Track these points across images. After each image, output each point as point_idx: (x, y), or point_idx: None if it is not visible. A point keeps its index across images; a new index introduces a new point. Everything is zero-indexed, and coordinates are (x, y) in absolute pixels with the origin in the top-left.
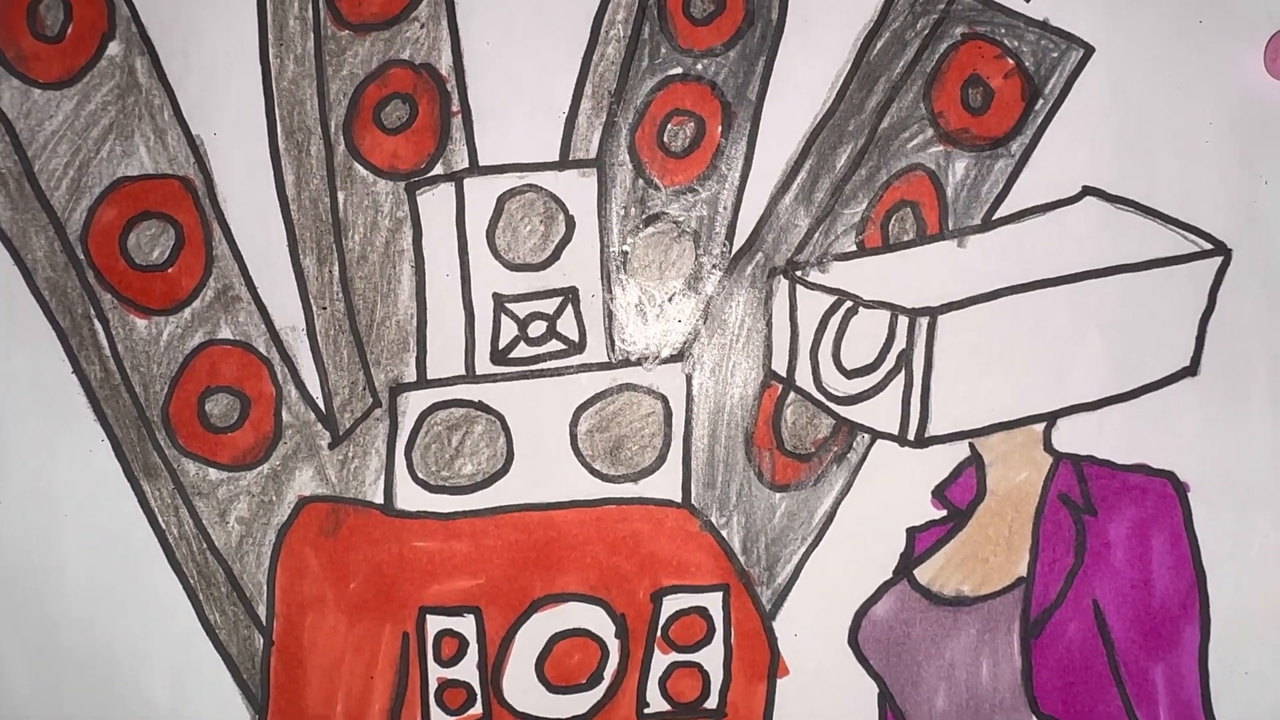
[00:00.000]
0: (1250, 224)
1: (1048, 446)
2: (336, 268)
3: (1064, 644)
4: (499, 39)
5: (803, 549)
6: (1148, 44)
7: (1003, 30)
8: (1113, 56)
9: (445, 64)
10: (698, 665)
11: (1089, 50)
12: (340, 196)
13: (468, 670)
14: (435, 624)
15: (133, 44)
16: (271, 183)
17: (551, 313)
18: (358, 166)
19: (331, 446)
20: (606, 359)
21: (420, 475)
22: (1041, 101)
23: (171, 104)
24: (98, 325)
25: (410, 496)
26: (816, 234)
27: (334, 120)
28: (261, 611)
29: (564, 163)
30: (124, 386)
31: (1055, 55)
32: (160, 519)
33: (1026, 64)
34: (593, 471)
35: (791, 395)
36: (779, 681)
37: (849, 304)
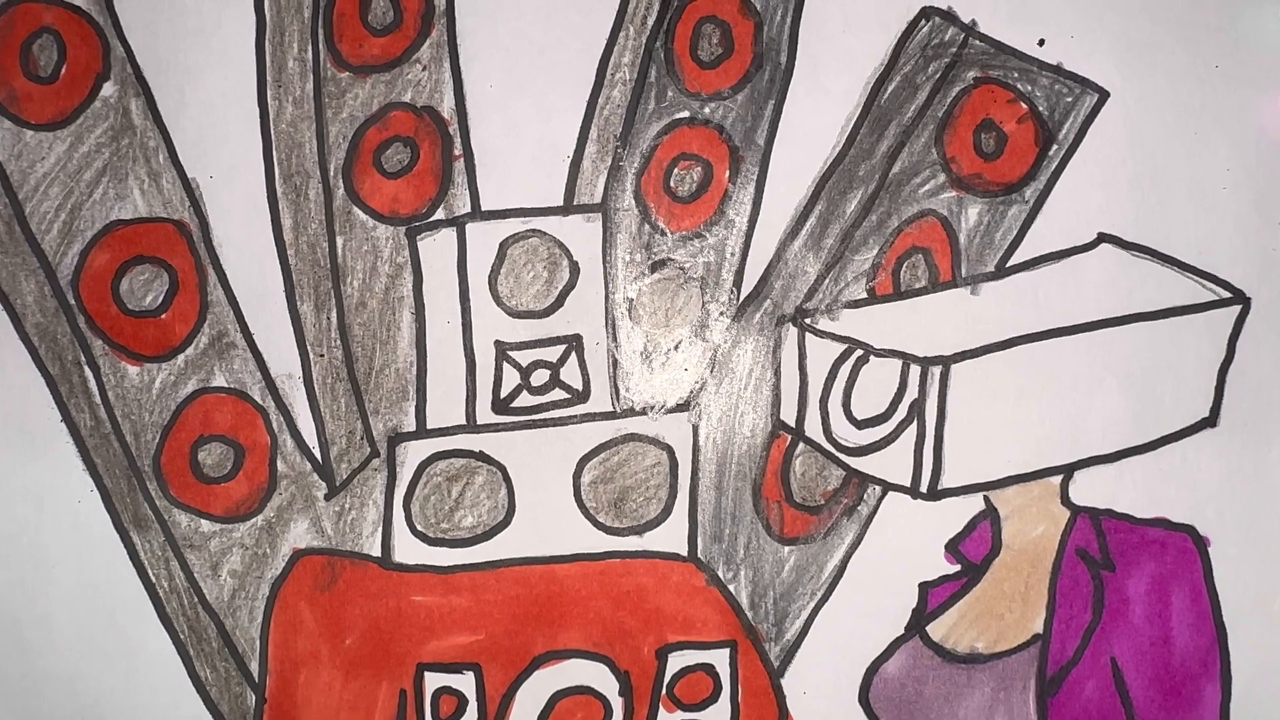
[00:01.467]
0: (1268, 272)
1: (1065, 500)
2: (334, 314)
3: (1081, 703)
4: (502, 82)
5: (812, 604)
6: (1163, 89)
7: (1016, 74)
8: (1128, 102)
9: (447, 107)
10: None
11: (1104, 95)
12: (339, 241)
13: None
14: (433, 681)
15: (128, 85)
16: (269, 227)
17: (555, 361)
18: (357, 211)
19: (328, 498)
20: (611, 408)
21: (419, 527)
22: (1056, 147)
23: (167, 146)
24: (88, 372)
25: (408, 549)
26: (826, 281)
27: (333, 163)
28: (254, 668)
29: (568, 208)
30: (114, 435)
31: (1069, 100)
32: (150, 572)
33: (1040, 108)
34: (596, 524)
35: (800, 446)
36: None
37: (859, 352)
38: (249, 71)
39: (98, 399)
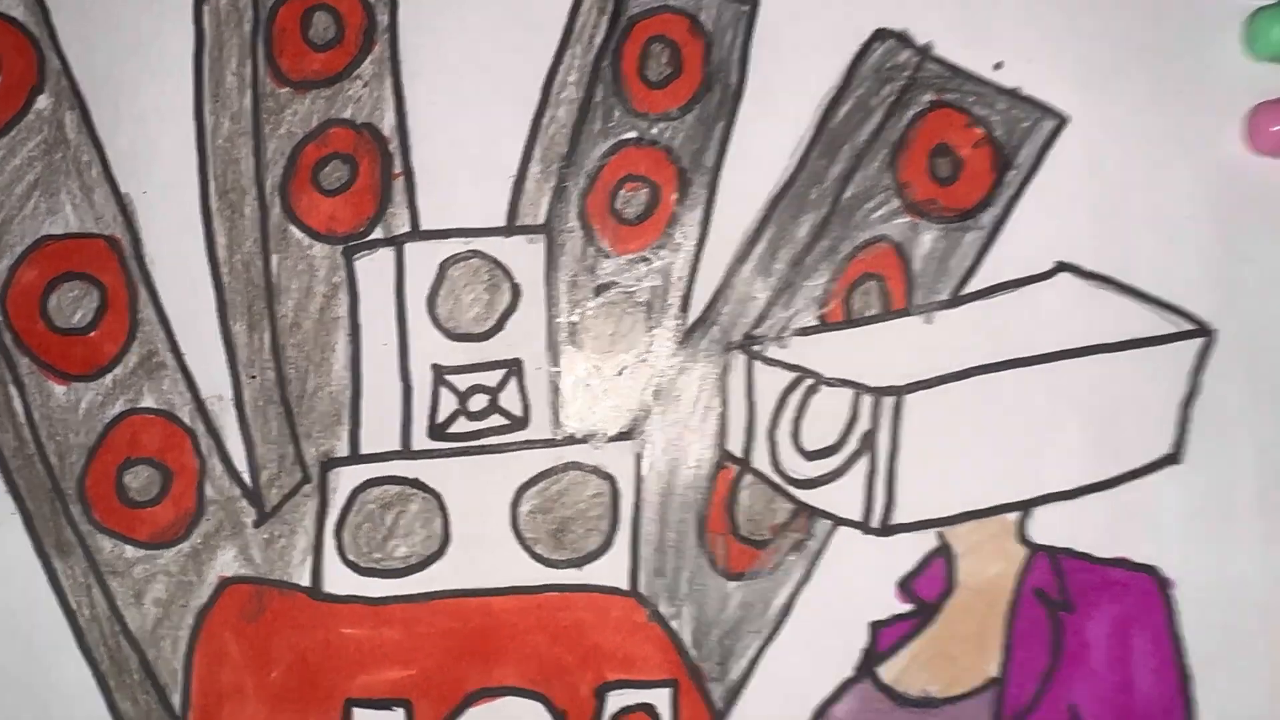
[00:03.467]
0: (1233, 303)
1: (1022, 537)
2: (268, 335)
3: None
4: (445, 99)
5: (758, 642)
6: (1124, 116)
7: (972, 98)
8: (1087, 127)
9: (388, 124)
10: None
11: (1063, 120)
12: (274, 260)
13: None
14: (362, 718)
15: (62, 97)
16: (202, 244)
17: (494, 385)
18: (293, 229)
19: (257, 524)
20: (551, 435)
21: (350, 556)
22: (1013, 172)
23: (100, 160)
24: (13, 390)
25: (339, 579)
26: (775, 307)
27: (270, 180)
28: (176, 701)
29: (511, 228)
30: (38, 456)
31: (1027, 125)
32: (71, 598)
33: (997, 133)
34: (534, 555)
35: (748, 477)
36: None
37: (810, 382)
38: (186, 86)
39: (22, 419)
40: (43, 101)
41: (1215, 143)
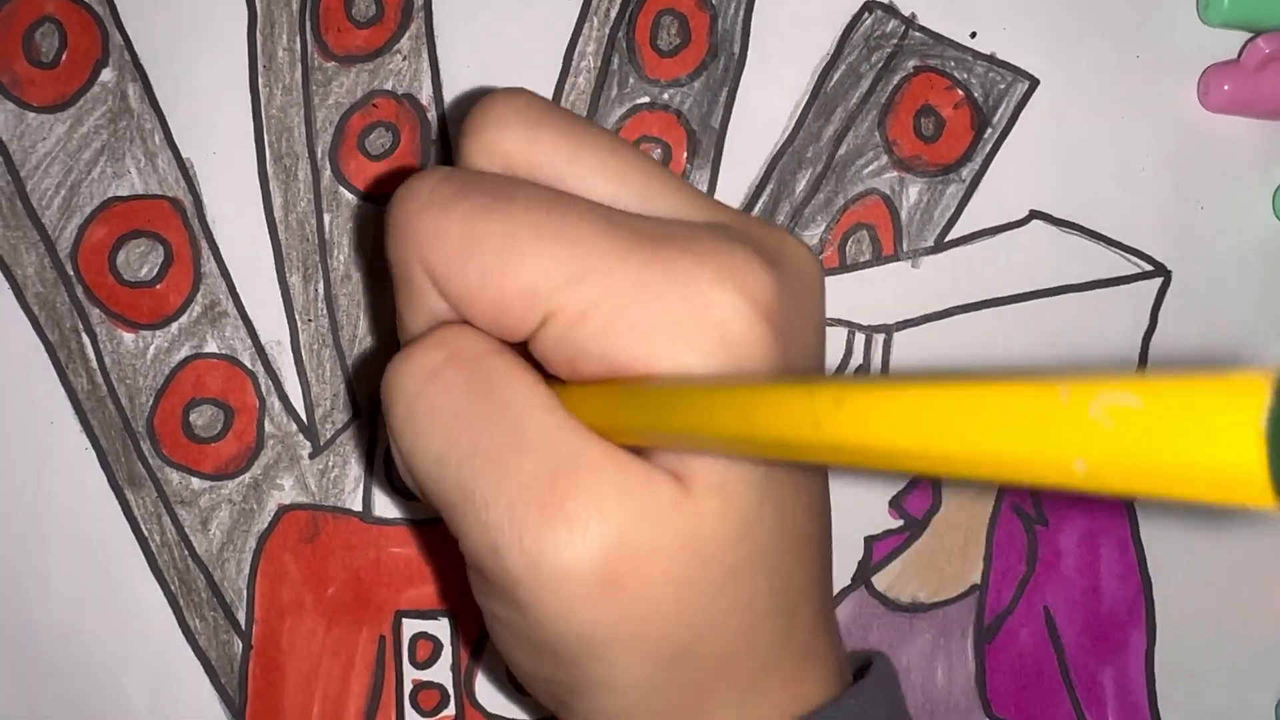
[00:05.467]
0: (1187, 247)
1: None
2: (322, 285)
3: (1016, 649)
4: (477, 71)
5: None
6: (1089, 78)
7: (952, 63)
8: (1056, 89)
9: (426, 94)
10: None
11: (1034, 83)
12: (326, 218)
13: (442, 672)
14: (411, 628)
15: (125, 71)
16: (260, 204)
17: None
18: (343, 190)
19: (312, 456)
20: None
21: (398, 484)
22: (990, 130)
23: (163, 128)
24: (85, 339)
25: (388, 504)
26: None
27: (320, 146)
28: (241, 617)
29: None
30: (110, 398)
31: (1002, 87)
32: (143, 527)
33: (975, 95)
34: None
35: None
36: None
37: None
38: (241, 60)
39: (94, 364)
40: (107, 75)
41: (1172, 102)
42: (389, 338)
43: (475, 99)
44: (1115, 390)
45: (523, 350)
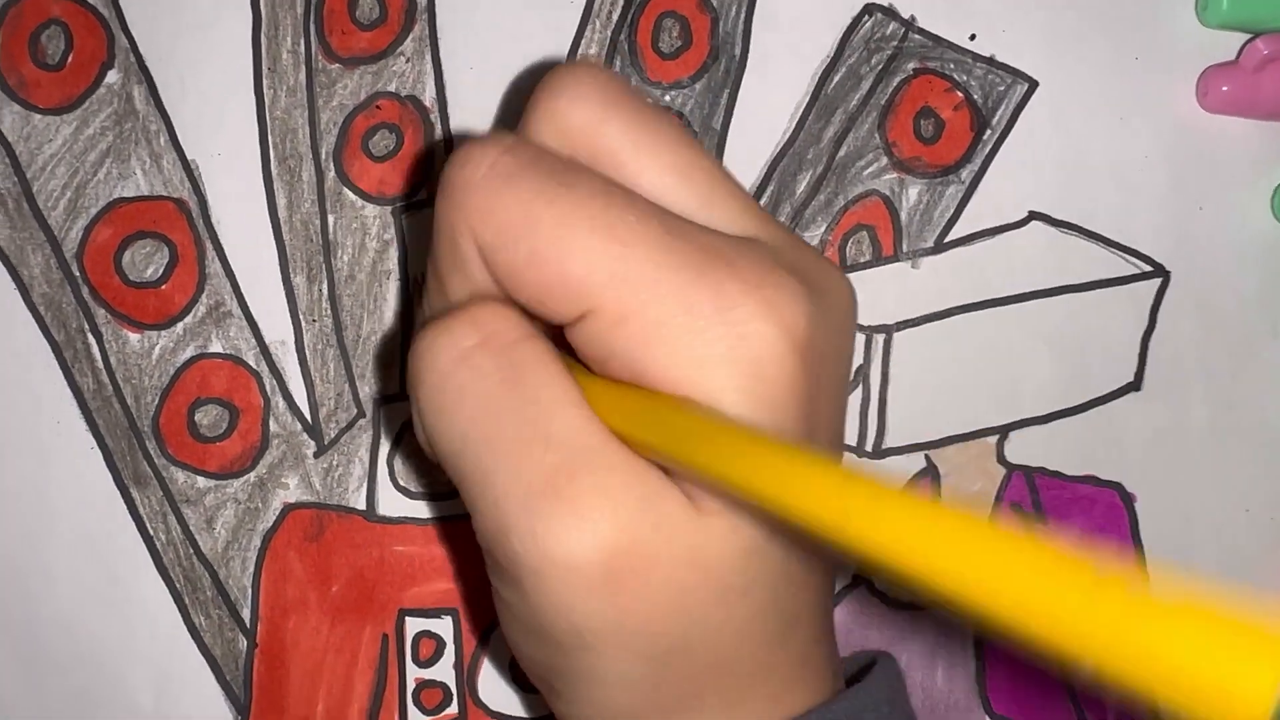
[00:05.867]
0: (1185, 247)
1: (1000, 459)
2: (326, 285)
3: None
4: (480, 74)
5: None
6: (1087, 79)
7: (952, 65)
8: (1055, 90)
9: (429, 96)
10: None
11: (1033, 84)
12: (330, 219)
13: (444, 671)
14: (414, 626)
15: (131, 73)
16: (264, 206)
17: None
18: (347, 191)
19: (317, 455)
20: None
21: (402, 483)
22: (989, 132)
23: (168, 130)
24: (91, 339)
25: (392, 503)
26: None
27: (325, 148)
28: (245, 615)
29: None
30: (115, 397)
31: (1002, 89)
32: (149, 525)
33: (975, 97)
34: None
35: None
36: None
37: None
38: (246, 62)
39: (100, 364)
40: (113, 76)
41: (1171, 102)
42: (393, 337)
43: (547, 68)
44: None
45: (557, 333)
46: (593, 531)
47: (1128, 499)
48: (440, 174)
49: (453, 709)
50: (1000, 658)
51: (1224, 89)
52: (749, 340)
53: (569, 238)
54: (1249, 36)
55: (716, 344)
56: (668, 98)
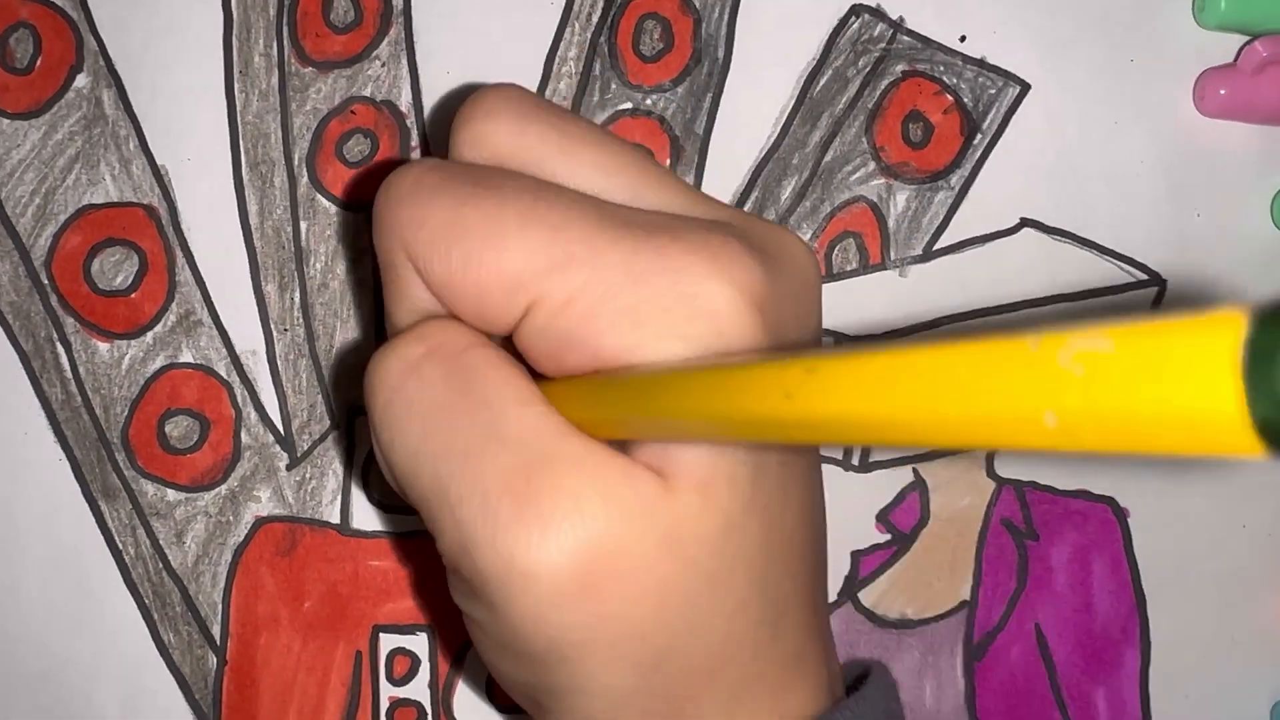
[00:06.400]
0: (1182, 254)
1: (990, 472)
2: (298, 294)
3: (1007, 667)
4: (457, 77)
5: None
6: (1081, 82)
7: (941, 68)
8: (1048, 94)
9: (405, 101)
10: None
11: (1025, 87)
12: (303, 226)
13: (420, 689)
14: (388, 643)
15: (100, 77)
16: (235, 212)
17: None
18: (320, 198)
19: (289, 468)
20: None
21: (377, 495)
22: (980, 136)
23: (138, 135)
24: (60, 349)
25: (366, 516)
26: None
27: (297, 153)
28: (216, 632)
29: None
30: (85, 408)
31: (993, 92)
32: (118, 539)
33: (965, 100)
34: None
35: None
36: None
37: None
38: (217, 65)
39: (69, 374)
40: (81, 80)
41: (1167, 106)
42: (367, 347)
43: (466, 93)
44: (1086, 337)
45: (510, 348)
46: (558, 536)
47: (1121, 514)
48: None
49: None
50: (991, 678)
51: (1222, 92)
52: (702, 298)
53: (500, 233)
54: (1247, 38)
55: (668, 305)
56: (649, 101)
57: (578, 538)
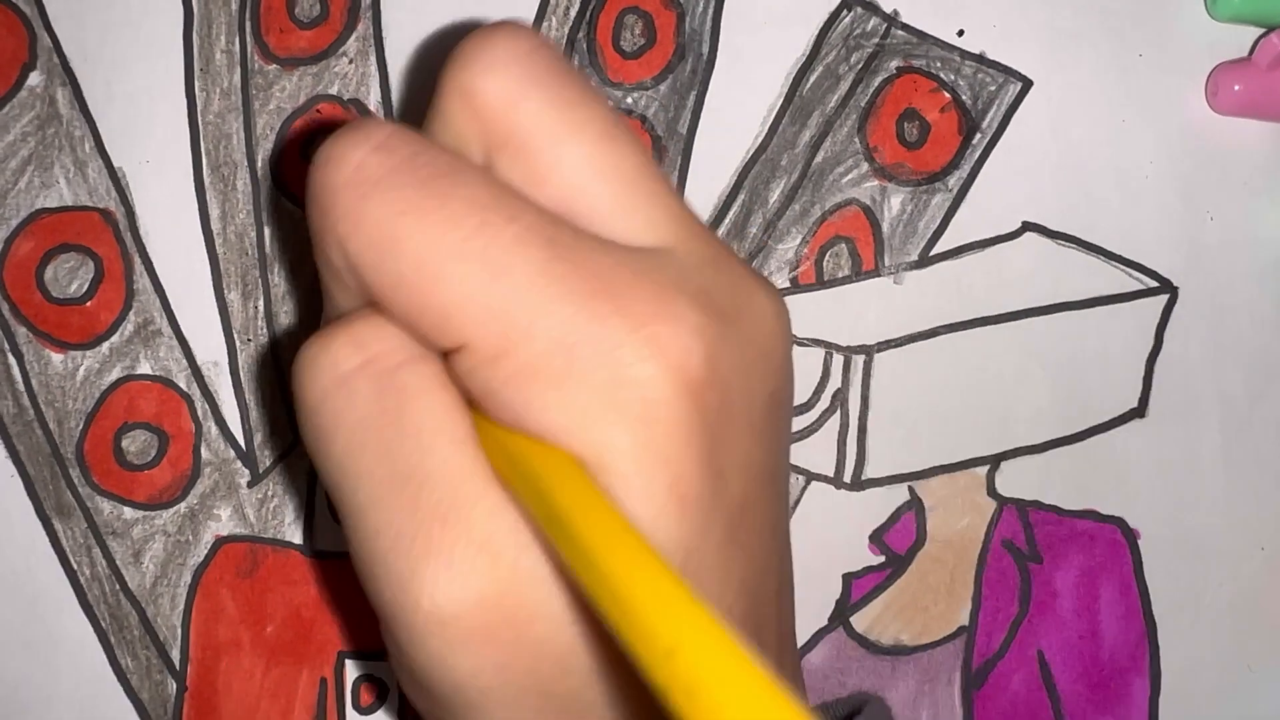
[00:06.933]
0: (1195, 261)
1: (991, 491)
2: (262, 302)
3: (1007, 697)
4: (428, 75)
5: None
6: (1087, 78)
7: (938, 64)
8: (1051, 91)
9: (374, 99)
10: None
11: (1027, 84)
12: (266, 231)
13: (386, 719)
14: (354, 669)
15: (54, 74)
16: (196, 216)
17: None
18: (284, 201)
19: (251, 485)
20: None
21: None
22: (979, 135)
23: (93, 135)
24: (11, 359)
25: (331, 536)
26: None
27: (261, 154)
28: (175, 656)
29: None
30: (37, 422)
31: (993, 89)
32: (72, 559)
33: (963, 97)
34: None
35: None
36: None
37: None
38: (177, 62)
39: (20, 386)
40: (34, 79)
41: (1178, 103)
42: None
43: (476, 27)
44: None
45: None
46: (463, 583)
47: (1130, 536)
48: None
49: None
50: (990, 708)
51: (1236, 88)
52: (634, 385)
53: (438, 262)
54: (1263, 31)
55: (600, 390)
56: (630, 100)
57: (482, 589)
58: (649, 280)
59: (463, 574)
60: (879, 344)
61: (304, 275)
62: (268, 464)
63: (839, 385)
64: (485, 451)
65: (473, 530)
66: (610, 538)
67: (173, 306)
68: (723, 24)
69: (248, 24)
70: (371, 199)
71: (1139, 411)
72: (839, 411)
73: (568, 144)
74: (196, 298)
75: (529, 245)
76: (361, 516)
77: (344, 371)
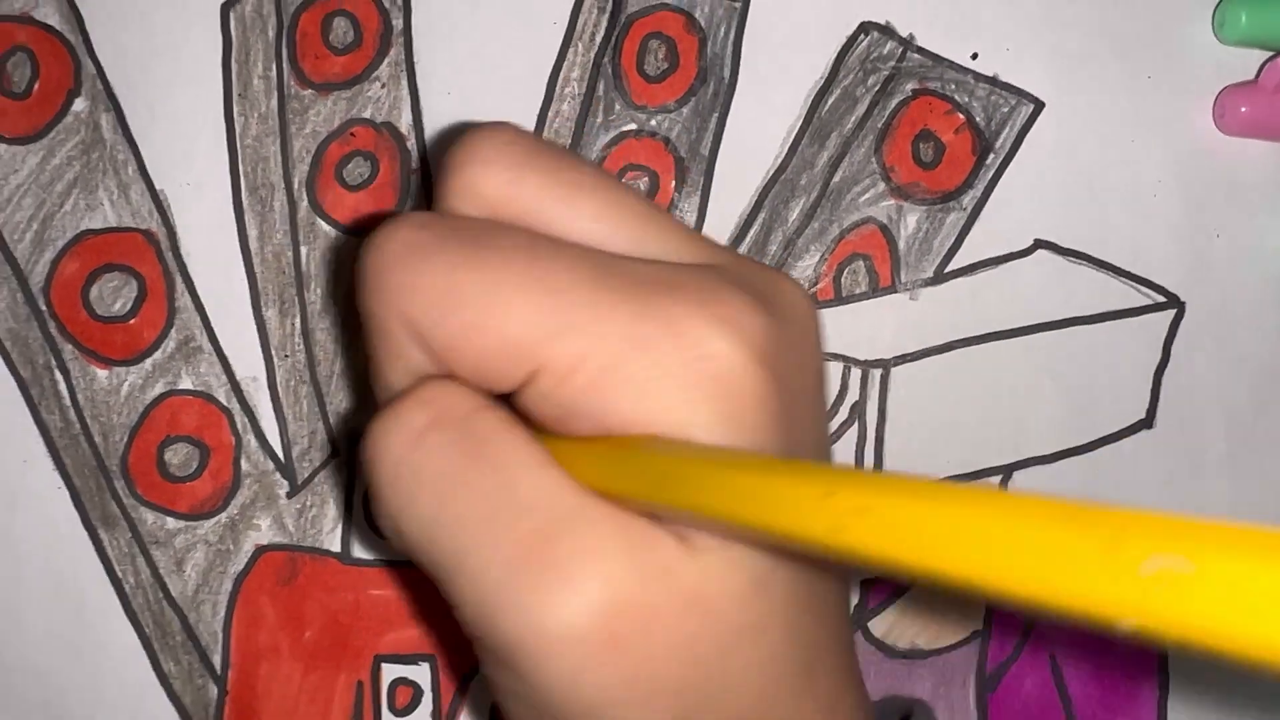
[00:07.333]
0: (1202, 276)
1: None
2: (299, 320)
3: (1021, 699)
4: (458, 99)
5: None
6: (1097, 99)
7: (953, 86)
8: (1062, 111)
9: (405, 123)
10: None
11: (1039, 105)
12: (303, 251)
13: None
14: (390, 673)
15: (98, 100)
16: (235, 237)
17: None
18: (320, 222)
19: (290, 495)
20: None
21: (377, 525)
22: (993, 156)
23: (136, 159)
24: (58, 376)
25: (367, 545)
26: None
27: (297, 177)
28: (216, 661)
29: None
30: (84, 436)
31: (1006, 110)
32: (117, 568)
33: (977, 119)
34: None
35: None
36: None
37: None
38: (216, 88)
39: (68, 401)
40: (80, 105)
41: (1186, 124)
42: (368, 374)
43: (458, 133)
44: (1168, 553)
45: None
46: (584, 595)
47: None
48: (356, 264)
49: None
50: (1004, 710)
51: (1242, 110)
52: (707, 360)
53: (500, 298)
54: (1269, 55)
55: (675, 372)
56: (653, 122)
57: (602, 597)
58: (695, 273)
59: (583, 584)
60: (895, 358)
61: (339, 293)
62: (306, 475)
63: (857, 398)
64: (572, 472)
65: (582, 541)
66: (745, 458)
67: (213, 324)
68: (743, 48)
69: (284, 51)
70: (428, 263)
71: (1147, 423)
72: (857, 423)
73: (575, 202)
74: (235, 315)
75: (578, 268)
76: (463, 560)
77: (417, 429)
